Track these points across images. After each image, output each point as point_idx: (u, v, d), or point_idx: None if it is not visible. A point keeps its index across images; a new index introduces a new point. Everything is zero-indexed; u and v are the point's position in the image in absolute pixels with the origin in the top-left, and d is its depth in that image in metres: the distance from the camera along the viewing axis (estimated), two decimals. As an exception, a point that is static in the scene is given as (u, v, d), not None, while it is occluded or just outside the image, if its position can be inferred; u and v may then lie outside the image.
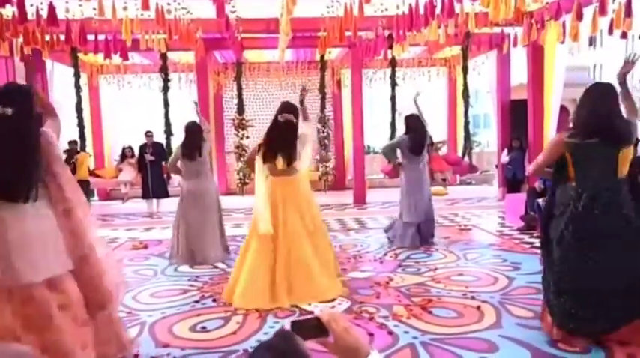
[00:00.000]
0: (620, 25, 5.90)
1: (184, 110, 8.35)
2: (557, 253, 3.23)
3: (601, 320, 3.11)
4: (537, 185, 6.98)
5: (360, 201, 10.46)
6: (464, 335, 3.47)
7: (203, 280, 5.11)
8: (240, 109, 12.03)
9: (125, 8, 6.64)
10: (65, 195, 2.77)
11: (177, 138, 7.47)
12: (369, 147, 16.08)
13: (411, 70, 12.59)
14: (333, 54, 11.72)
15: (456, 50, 11.38)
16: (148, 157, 9.56)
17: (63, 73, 10.32)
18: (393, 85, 10.88)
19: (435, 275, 4.96)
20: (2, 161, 2.62)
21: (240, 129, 12.03)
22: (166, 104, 10.31)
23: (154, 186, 9.68)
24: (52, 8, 6.14)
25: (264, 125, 11.86)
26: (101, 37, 7.89)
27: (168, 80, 10.38)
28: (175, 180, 9.14)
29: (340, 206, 10.14)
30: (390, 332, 3.55)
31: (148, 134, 9.78)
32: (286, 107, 4.61)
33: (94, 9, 6.31)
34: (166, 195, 9.81)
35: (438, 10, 6.32)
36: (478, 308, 3.97)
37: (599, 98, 3.20)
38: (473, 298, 4.22)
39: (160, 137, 10.15)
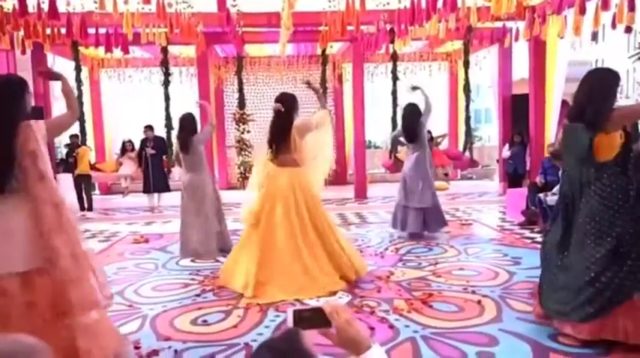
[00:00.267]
0: (623, 20, 5.88)
1: (185, 104, 8.33)
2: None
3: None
4: (538, 180, 6.98)
5: (360, 195, 10.47)
6: (464, 329, 3.48)
7: (204, 274, 5.12)
8: (241, 104, 12.02)
9: (126, 2, 6.62)
10: (36, 192, 2.68)
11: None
12: (370, 141, 16.06)
13: (412, 65, 12.56)
14: (335, 48, 11.68)
15: (458, 44, 11.35)
16: (149, 151, 9.56)
17: (64, 66, 10.31)
18: (395, 79, 10.86)
19: (435, 270, 4.97)
20: None
21: (241, 124, 12.02)
22: (167, 98, 10.31)
23: (154, 181, 9.68)
24: (52, 1, 6.13)
25: (265, 119, 11.94)
26: (102, 31, 7.88)
27: (169, 74, 10.37)
28: (176, 174, 9.15)
29: (341, 200, 10.14)
30: (391, 326, 3.55)
31: (149, 128, 9.77)
32: (277, 97, 4.68)
33: (95, 2, 6.30)
34: (167, 189, 9.81)
35: (439, 4, 6.30)
36: (479, 302, 3.98)
37: (584, 82, 3.23)
38: (473, 292, 4.23)
39: (160, 131, 10.14)
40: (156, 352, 3.26)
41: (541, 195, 6.49)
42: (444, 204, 6.77)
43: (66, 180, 8.94)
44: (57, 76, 3.02)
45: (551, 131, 9.20)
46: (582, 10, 6.13)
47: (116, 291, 4.61)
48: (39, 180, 2.69)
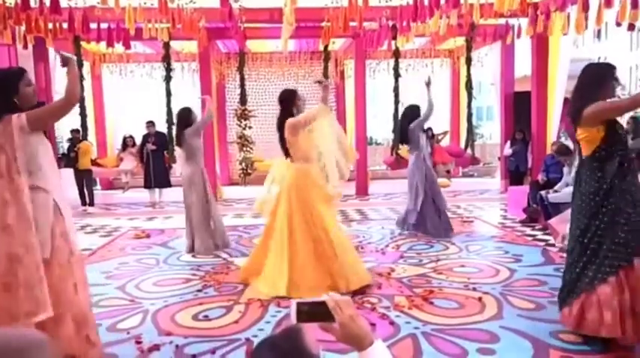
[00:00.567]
0: (626, 17, 5.85)
1: (187, 100, 8.33)
2: None
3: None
4: (540, 177, 6.97)
5: (362, 192, 10.47)
6: (465, 325, 3.48)
7: (205, 269, 5.12)
8: (243, 99, 12.00)
9: (128, -4, 6.61)
10: (6, 184, 2.59)
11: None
12: (371, 138, 16.06)
13: (414, 61, 12.54)
14: (337, 44, 11.66)
15: (460, 41, 11.32)
16: (150, 147, 9.57)
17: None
18: (397, 76, 10.83)
19: (436, 267, 4.97)
20: None
21: (242, 120, 12.00)
22: (169, 93, 10.29)
23: (156, 176, 9.69)
24: (54, -4, 6.12)
25: (266, 115, 11.98)
26: (104, 26, 7.86)
27: (171, 69, 10.35)
28: (177, 169, 9.15)
29: (342, 197, 10.12)
30: (392, 323, 3.56)
31: (150, 124, 9.78)
32: (279, 95, 4.64)
33: (97, -3, 6.28)
34: (168, 184, 9.82)
35: (442, 1, 6.28)
36: (479, 299, 3.98)
37: (578, 77, 3.23)
38: (474, 289, 4.23)
39: (162, 126, 10.14)
40: (157, 347, 3.27)
41: (542, 192, 6.48)
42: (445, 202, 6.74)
43: (67, 175, 8.95)
44: (66, 61, 2.92)
45: (553, 129, 9.18)
46: (585, 8, 6.10)
47: (117, 286, 4.64)
48: (6, 172, 2.60)
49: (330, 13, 7.92)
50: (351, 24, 7.65)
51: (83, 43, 9.86)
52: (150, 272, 5.08)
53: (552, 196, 6.29)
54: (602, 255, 3.00)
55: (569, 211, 3.58)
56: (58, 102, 2.85)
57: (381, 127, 17.69)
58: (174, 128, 9.83)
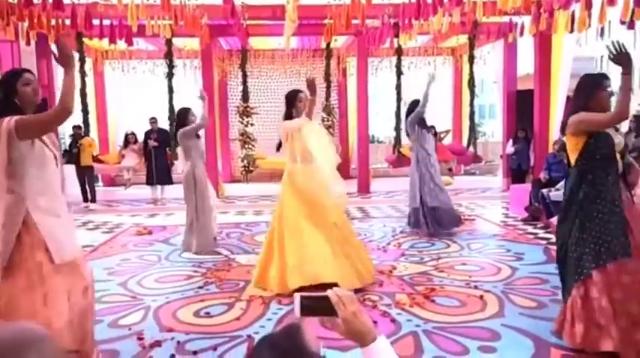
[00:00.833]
0: (628, 15, 5.83)
1: (189, 97, 8.33)
2: None
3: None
4: (542, 176, 6.97)
5: (364, 190, 10.46)
6: (466, 323, 3.48)
7: (207, 266, 5.13)
8: (245, 97, 12.00)
9: (130, -7, 6.61)
10: None
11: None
12: (373, 136, 16.04)
13: (416, 59, 12.51)
14: (339, 42, 11.64)
15: (463, 39, 11.29)
16: (152, 144, 9.57)
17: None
18: (399, 73, 10.82)
19: (438, 265, 4.97)
20: None
21: (244, 117, 12.01)
22: (171, 90, 10.29)
23: (157, 173, 9.70)
24: (57, -8, 6.11)
25: (268, 113, 11.97)
26: (106, 22, 7.85)
27: (173, 66, 10.35)
28: (179, 166, 9.16)
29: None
30: (393, 320, 3.56)
31: (152, 121, 9.78)
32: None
33: (100, -7, 6.28)
34: (170, 181, 9.83)
35: (445, -2, 6.26)
36: (481, 297, 3.99)
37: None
38: (476, 287, 4.23)
39: (164, 123, 10.15)
40: (159, 343, 3.28)
41: (544, 190, 6.48)
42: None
43: (69, 172, 8.95)
44: (64, 58, 2.65)
45: (556, 127, 9.15)
46: (588, 6, 6.08)
47: (119, 283, 4.65)
48: None
49: (332, 11, 7.91)
50: (354, 21, 7.63)
51: (85, 40, 9.86)
52: (151, 269, 5.09)
53: (554, 194, 6.29)
54: (573, 263, 3.07)
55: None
56: (51, 111, 2.70)
57: (383, 125, 17.68)
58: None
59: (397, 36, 8.89)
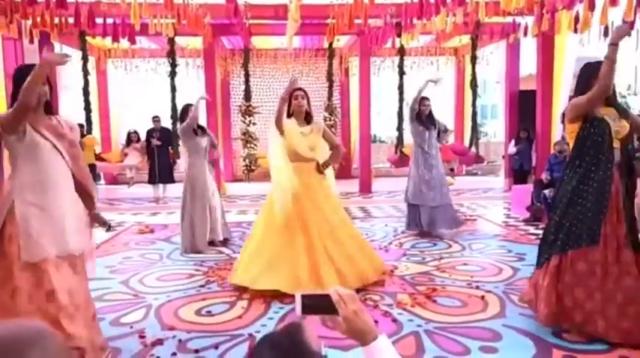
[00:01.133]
0: (631, 15, 5.82)
1: (191, 96, 8.32)
2: None
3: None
4: (544, 176, 6.96)
5: (365, 189, 10.46)
6: (468, 324, 3.49)
7: (208, 265, 5.14)
8: (247, 96, 12.01)
9: (134, -8, 6.61)
10: None
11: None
12: (374, 136, 16.03)
13: (419, 59, 12.51)
14: (342, 41, 11.64)
15: (465, 39, 11.28)
16: (155, 142, 9.58)
17: (71, 56, 10.30)
18: (401, 73, 10.81)
19: (439, 265, 4.97)
20: None
21: (246, 116, 12.02)
22: (173, 89, 10.30)
23: (160, 172, 9.71)
24: (60, -10, 6.13)
25: (270, 112, 11.92)
26: (109, 21, 7.87)
27: (176, 65, 10.36)
28: (181, 165, 9.18)
29: (346, 194, 10.13)
30: (394, 320, 3.57)
31: (155, 119, 9.79)
32: None
33: (103, -8, 6.29)
34: (172, 180, 9.84)
35: (448, -1, 6.26)
36: (482, 297, 3.99)
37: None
38: (477, 288, 4.23)
39: (167, 122, 10.16)
40: (160, 341, 3.28)
41: (546, 191, 6.47)
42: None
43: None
44: (43, 60, 2.66)
45: (558, 127, 9.14)
46: (592, 6, 6.07)
47: (121, 281, 4.65)
48: None
49: (335, 10, 7.92)
50: (356, 21, 7.63)
51: (88, 38, 9.86)
52: (153, 267, 5.10)
53: (556, 195, 6.27)
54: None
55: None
56: (12, 108, 2.69)
57: (385, 125, 17.65)
58: (178, 124, 9.90)
59: (399, 36, 8.89)
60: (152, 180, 9.86)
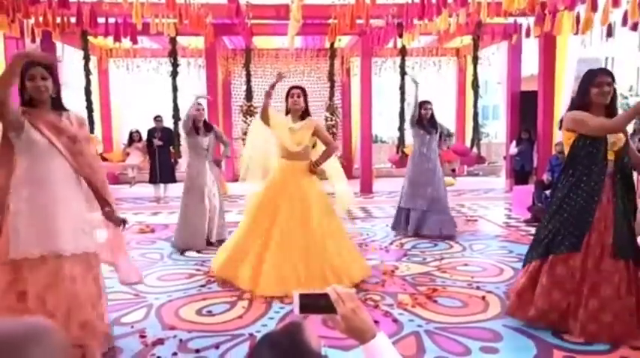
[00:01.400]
0: (636, 15, 5.81)
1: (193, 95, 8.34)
2: None
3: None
4: (545, 177, 6.95)
5: (366, 190, 10.46)
6: (468, 324, 3.48)
7: (209, 265, 5.13)
8: (249, 96, 12.02)
9: (136, -9, 6.63)
10: None
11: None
12: (376, 136, 16.02)
13: (420, 59, 12.51)
14: (343, 42, 11.65)
15: (467, 40, 11.28)
16: (156, 142, 9.59)
17: (73, 55, 10.33)
18: (403, 74, 10.81)
19: (440, 265, 4.97)
20: None
21: (248, 116, 12.03)
22: (175, 89, 10.31)
23: (161, 171, 9.72)
24: (63, -10, 6.14)
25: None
26: (111, 20, 7.88)
27: (177, 65, 10.37)
28: (182, 164, 9.18)
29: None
30: (395, 320, 3.56)
31: (157, 119, 9.80)
32: None
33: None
34: (174, 180, 9.85)
35: (450, -1, 6.27)
36: (483, 298, 3.99)
37: None
38: (478, 288, 4.23)
39: (168, 122, 10.17)
40: (161, 341, 3.29)
41: (547, 192, 6.46)
42: (449, 200, 6.70)
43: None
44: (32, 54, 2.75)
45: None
46: (594, 7, 6.06)
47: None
48: None
49: (336, 11, 7.92)
50: (358, 21, 7.63)
51: (90, 38, 9.89)
52: (154, 267, 5.10)
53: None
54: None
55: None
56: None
57: (387, 125, 17.64)
58: (179, 123, 9.91)
59: (401, 36, 8.89)
60: (153, 180, 9.86)
